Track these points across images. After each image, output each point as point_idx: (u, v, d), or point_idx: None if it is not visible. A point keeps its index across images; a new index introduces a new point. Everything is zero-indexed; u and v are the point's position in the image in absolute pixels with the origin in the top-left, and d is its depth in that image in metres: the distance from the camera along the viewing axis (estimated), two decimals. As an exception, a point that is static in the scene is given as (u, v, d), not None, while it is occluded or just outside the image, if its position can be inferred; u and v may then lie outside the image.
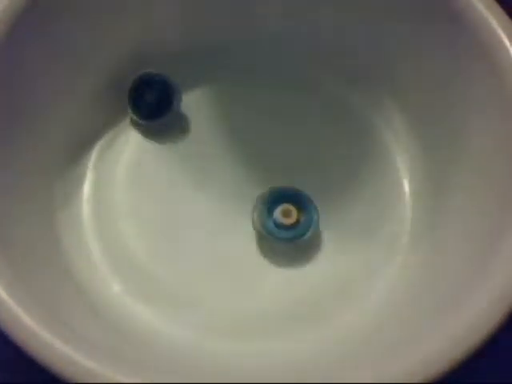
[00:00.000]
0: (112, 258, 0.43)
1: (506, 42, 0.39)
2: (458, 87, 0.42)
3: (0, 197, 0.37)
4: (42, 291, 0.35)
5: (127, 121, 0.47)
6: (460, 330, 0.32)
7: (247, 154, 0.47)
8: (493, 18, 0.40)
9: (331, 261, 0.44)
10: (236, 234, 0.44)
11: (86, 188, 0.45)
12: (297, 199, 0.42)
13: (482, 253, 0.36)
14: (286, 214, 0.41)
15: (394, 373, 0.31)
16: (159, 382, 0.31)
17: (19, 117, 0.40)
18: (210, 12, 0.47)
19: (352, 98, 0.49)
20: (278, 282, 0.43)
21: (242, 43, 0.48)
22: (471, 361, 0.31)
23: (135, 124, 0.46)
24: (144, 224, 0.44)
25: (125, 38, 0.45)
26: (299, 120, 0.48)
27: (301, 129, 0.48)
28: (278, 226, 0.42)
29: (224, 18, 0.47)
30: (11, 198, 0.38)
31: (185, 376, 0.33)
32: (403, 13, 0.44)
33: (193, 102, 0.47)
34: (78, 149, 0.45)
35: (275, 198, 0.42)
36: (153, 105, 0.44)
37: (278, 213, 0.41)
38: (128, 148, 0.46)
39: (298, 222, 0.41)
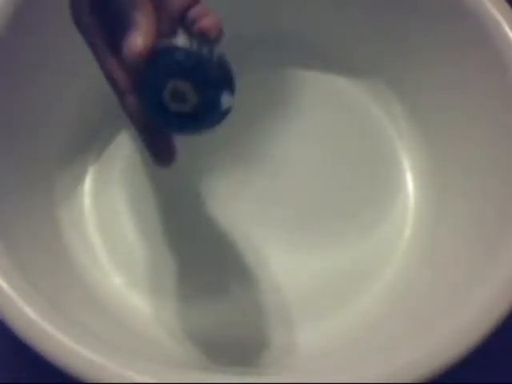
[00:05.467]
0: (113, 251, 0.43)
1: (507, 29, 0.39)
2: (458, 76, 0.42)
3: (2, 190, 0.37)
4: (44, 283, 0.35)
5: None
6: (459, 329, 0.32)
7: (246, 147, 0.47)
8: (493, 6, 0.39)
9: (330, 257, 0.44)
10: (237, 226, 0.44)
11: (87, 182, 0.45)
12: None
13: (482, 252, 0.36)
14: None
15: (392, 371, 0.31)
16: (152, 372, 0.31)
17: (21, 113, 0.40)
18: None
19: (353, 90, 0.49)
20: (278, 276, 0.43)
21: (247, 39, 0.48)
22: (469, 359, 0.31)
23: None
24: (144, 217, 0.45)
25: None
26: (299, 113, 0.48)
27: (300, 122, 0.48)
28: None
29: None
30: (13, 191, 0.38)
31: (182, 369, 0.33)
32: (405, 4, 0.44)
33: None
34: (80, 144, 0.45)
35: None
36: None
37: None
38: (128, 143, 0.46)
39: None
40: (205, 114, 0.30)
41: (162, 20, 0.30)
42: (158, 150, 0.32)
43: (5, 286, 0.32)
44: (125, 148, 0.46)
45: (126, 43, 0.29)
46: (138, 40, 0.29)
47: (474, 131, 0.42)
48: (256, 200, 0.45)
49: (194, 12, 0.31)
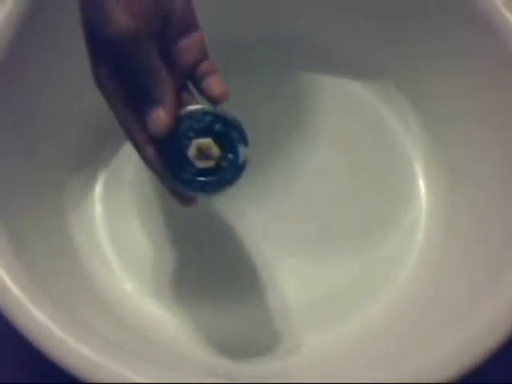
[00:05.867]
0: (123, 256, 0.43)
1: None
2: (471, 84, 0.42)
3: (14, 197, 0.37)
4: (54, 287, 0.35)
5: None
6: (472, 335, 0.31)
7: (258, 153, 0.46)
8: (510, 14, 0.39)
9: (340, 263, 0.43)
10: (250, 231, 0.44)
11: (98, 188, 0.46)
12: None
13: (495, 258, 0.36)
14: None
15: (404, 375, 0.30)
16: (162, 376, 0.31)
17: (32, 122, 0.40)
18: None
19: (364, 93, 0.49)
20: (290, 283, 0.43)
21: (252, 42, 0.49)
22: (485, 367, 0.31)
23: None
24: (154, 223, 0.45)
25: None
26: (309, 119, 0.48)
27: (311, 127, 0.48)
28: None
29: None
30: (25, 198, 0.39)
31: (192, 373, 0.33)
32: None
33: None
34: (90, 151, 0.45)
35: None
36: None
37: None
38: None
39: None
40: (228, 165, 0.33)
41: (172, 74, 0.32)
42: (180, 195, 0.33)
43: (14, 288, 0.32)
44: (134, 155, 0.46)
45: (150, 119, 0.31)
46: (161, 116, 0.31)
47: (487, 140, 0.41)
48: (270, 208, 0.45)
49: (203, 67, 0.33)
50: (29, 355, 0.30)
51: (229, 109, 0.33)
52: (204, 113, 0.32)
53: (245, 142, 0.33)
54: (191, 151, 0.32)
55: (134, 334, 0.40)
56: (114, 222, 0.45)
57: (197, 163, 0.32)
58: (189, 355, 0.40)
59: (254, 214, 0.45)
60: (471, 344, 0.31)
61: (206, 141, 0.32)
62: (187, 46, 0.33)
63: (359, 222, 0.45)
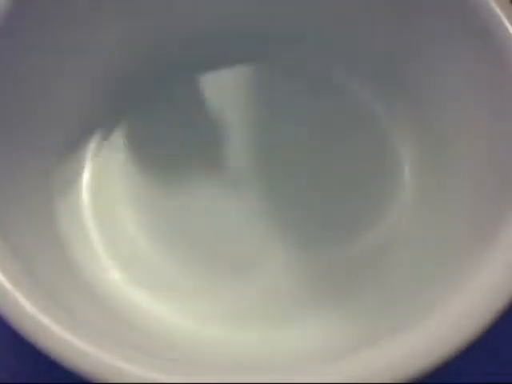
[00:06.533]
0: (112, 246, 0.43)
1: (505, 19, 0.38)
2: (457, 70, 0.41)
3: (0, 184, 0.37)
4: (43, 279, 0.34)
5: (127, 109, 0.46)
6: (458, 318, 0.31)
7: (250, 143, 0.47)
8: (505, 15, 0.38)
9: (322, 254, 0.43)
10: (237, 219, 0.44)
11: (86, 176, 0.45)
12: None
13: (481, 240, 0.36)
14: None
15: (386, 363, 0.30)
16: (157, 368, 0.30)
17: (18, 109, 0.40)
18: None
19: (352, 85, 0.48)
20: (279, 270, 0.43)
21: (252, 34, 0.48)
22: (469, 351, 0.30)
23: None
24: (144, 212, 0.44)
25: (124, 35, 0.45)
26: (300, 108, 0.48)
27: (300, 116, 0.47)
28: None
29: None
30: (9, 186, 0.38)
31: (184, 364, 0.33)
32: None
33: (193, 91, 0.48)
34: (78, 137, 0.45)
35: None
36: None
37: None
38: (127, 137, 0.46)
39: None
40: None
41: None
42: None
43: (3, 280, 0.31)
44: (123, 142, 0.46)
45: None
46: None
47: (476, 132, 0.41)
48: (255, 196, 0.45)
49: None
50: (29, 354, 0.30)
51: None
52: None
53: None
54: None
55: (123, 324, 0.40)
56: (102, 212, 0.44)
57: None
58: (174, 344, 0.40)
59: (242, 198, 0.45)
60: (454, 330, 0.31)
61: None
62: None
63: (342, 208, 0.45)
